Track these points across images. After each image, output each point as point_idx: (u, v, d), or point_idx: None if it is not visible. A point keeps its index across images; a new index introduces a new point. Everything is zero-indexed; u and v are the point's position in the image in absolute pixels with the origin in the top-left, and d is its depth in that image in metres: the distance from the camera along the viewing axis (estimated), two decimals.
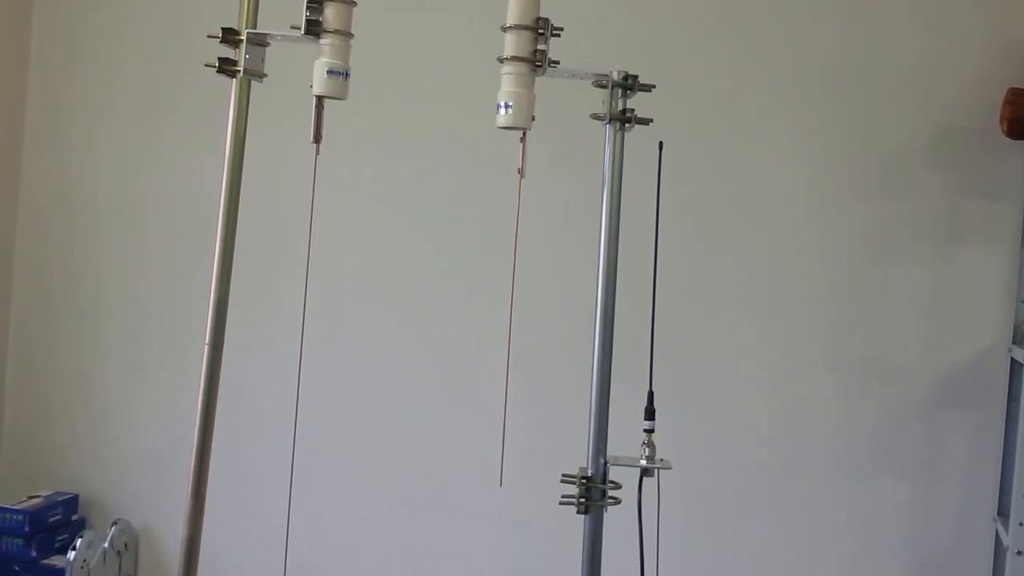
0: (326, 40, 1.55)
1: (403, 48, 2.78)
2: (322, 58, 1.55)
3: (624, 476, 1.68)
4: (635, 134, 1.64)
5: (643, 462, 1.66)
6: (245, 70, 1.57)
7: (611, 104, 1.60)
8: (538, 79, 1.59)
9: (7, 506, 2.88)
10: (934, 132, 2.51)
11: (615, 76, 1.60)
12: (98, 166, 3.06)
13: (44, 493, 2.97)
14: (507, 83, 1.56)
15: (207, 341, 1.60)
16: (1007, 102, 2.33)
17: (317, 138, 1.61)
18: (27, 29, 3.11)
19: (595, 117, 1.62)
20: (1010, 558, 2.15)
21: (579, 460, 1.67)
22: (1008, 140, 2.38)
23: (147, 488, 3.01)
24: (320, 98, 1.58)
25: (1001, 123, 2.35)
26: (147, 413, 3.01)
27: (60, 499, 2.95)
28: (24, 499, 2.92)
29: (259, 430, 2.86)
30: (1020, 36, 2.46)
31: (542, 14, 1.56)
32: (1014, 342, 2.43)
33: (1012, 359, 2.43)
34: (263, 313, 2.82)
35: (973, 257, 2.50)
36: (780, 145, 2.60)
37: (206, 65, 1.56)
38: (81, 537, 2.81)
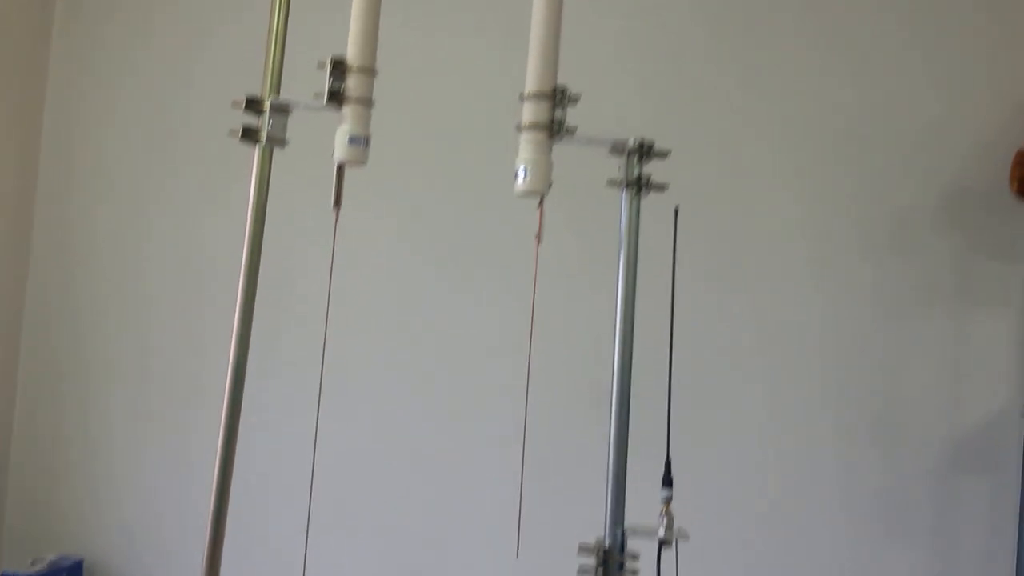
0: (348, 108, 1.57)
1: (422, 113, 2.83)
2: (344, 125, 1.57)
3: (639, 545, 1.66)
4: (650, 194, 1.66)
5: (662, 532, 1.64)
6: (268, 138, 1.59)
7: (627, 171, 1.62)
8: (556, 145, 1.61)
9: (12, 571, 2.84)
10: (943, 193, 2.54)
11: (631, 143, 1.62)
12: (102, 228, 3.09)
13: (49, 557, 2.94)
14: (525, 150, 1.58)
15: (224, 407, 1.60)
16: (1016, 163, 2.36)
17: (337, 203, 1.62)
18: (41, 96, 3.16)
19: (612, 183, 1.64)
20: None
21: (592, 530, 1.65)
22: (1016, 201, 2.41)
23: (151, 552, 2.98)
24: (341, 165, 1.59)
25: (1011, 183, 2.38)
26: (152, 477, 2.99)
27: (65, 564, 2.92)
28: (29, 563, 2.89)
29: (265, 498, 2.83)
30: None
31: (560, 81, 1.59)
32: None
33: None
34: (275, 379, 2.82)
35: (984, 319, 2.50)
36: (791, 207, 2.63)
37: (230, 132, 1.58)
38: None
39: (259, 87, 1.63)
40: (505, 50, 2.59)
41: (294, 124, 1.63)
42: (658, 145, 1.63)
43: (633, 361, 1.66)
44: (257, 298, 1.67)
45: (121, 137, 3.09)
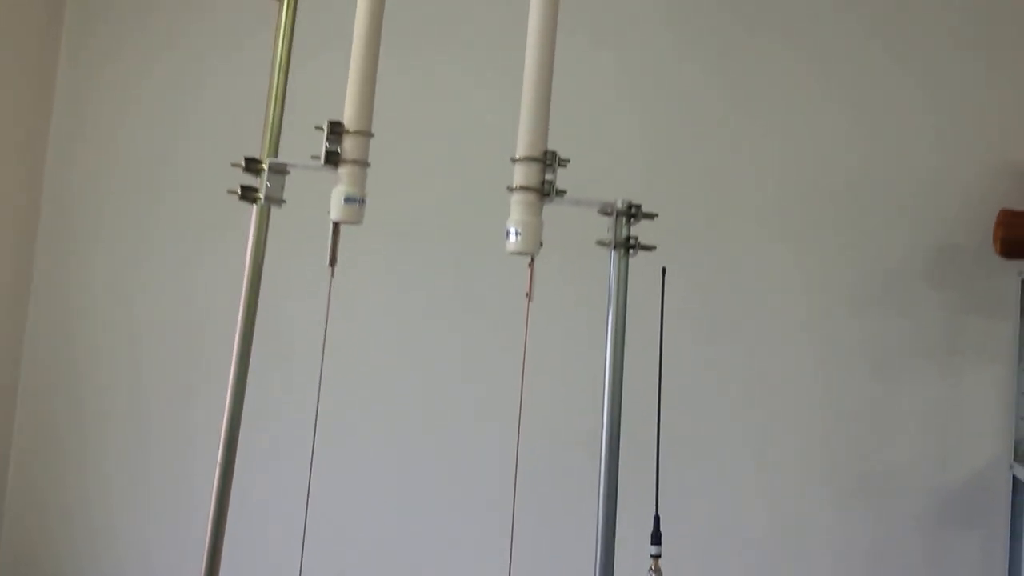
0: (344, 169, 1.61)
1: (417, 170, 2.89)
2: (340, 185, 1.61)
3: None
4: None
5: None
6: (266, 197, 1.63)
7: (616, 231, 1.66)
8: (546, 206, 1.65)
9: None
10: (931, 249, 2.58)
11: (619, 205, 1.66)
12: (100, 279, 3.12)
13: None
14: (516, 211, 1.61)
15: (219, 460, 1.62)
16: (999, 223, 2.40)
17: (332, 261, 1.66)
18: (43, 147, 3.21)
19: (601, 244, 1.68)
20: None
21: None
22: (1002, 259, 2.45)
23: None
24: (337, 224, 1.63)
25: (994, 243, 2.42)
26: (148, 526, 3.00)
27: None
28: None
29: (256, 550, 2.84)
30: (1012, 157, 2.55)
31: (552, 135, 1.63)
32: (1015, 459, 2.44)
33: (1014, 476, 2.45)
34: (269, 430, 2.84)
35: (972, 373, 2.53)
36: (781, 262, 2.67)
37: (229, 192, 1.63)
38: None
39: (255, 135, 1.67)
40: (499, 112, 2.65)
41: (291, 181, 1.67)
42: (648, 206, 1.68)
43: (623, 416, 1.69)
44: (252, 350, 1.70)
45: (120, 188, 3.13)
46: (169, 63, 3.14)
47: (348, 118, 1.60)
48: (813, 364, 2.62)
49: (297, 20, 1.74)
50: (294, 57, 1.73)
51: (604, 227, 1.67)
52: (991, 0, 2.62)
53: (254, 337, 1.67)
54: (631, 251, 1.68)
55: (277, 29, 1.71)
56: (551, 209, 1.67)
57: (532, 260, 1.66)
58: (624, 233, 1.67)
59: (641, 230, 1.67)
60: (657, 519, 1.75)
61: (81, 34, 3.23)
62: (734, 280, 2.69)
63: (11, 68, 3.08)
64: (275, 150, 1.67)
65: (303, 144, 1.67)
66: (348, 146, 1.61)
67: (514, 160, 1.61)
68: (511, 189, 1.62)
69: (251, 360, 1.68)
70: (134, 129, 3.14)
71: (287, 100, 1.72)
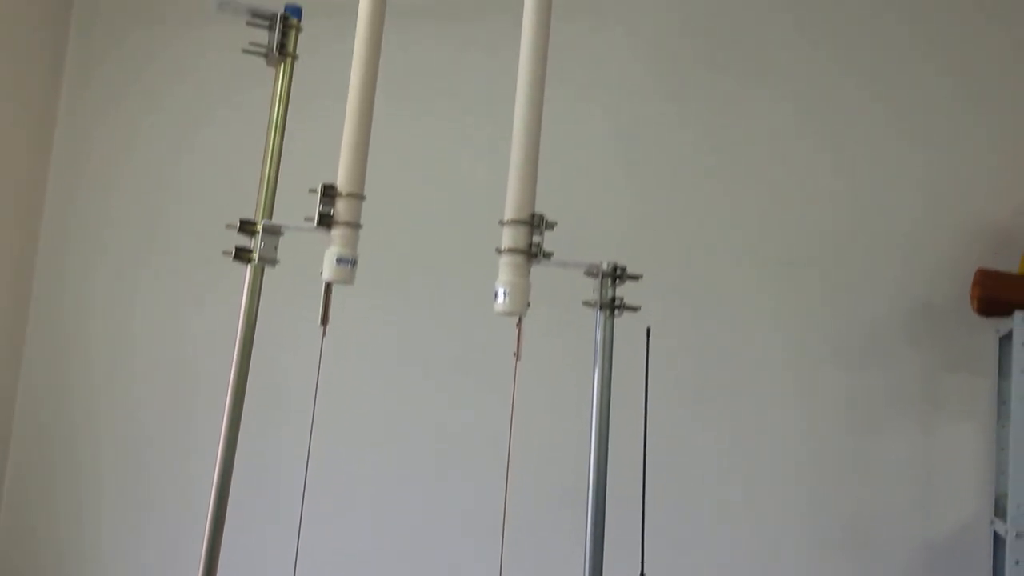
0: (337, 231, 1.65)
1: (409, 230, 2.95)
2: (333, 247, 1.65)
3: None
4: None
5: None
6: (260, 258, 1.67)
7: (601, 292, 1.70)
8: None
9: None
10: (912, 307, 2.63)
11: (604, 267, 1.70)
12: (94, 331, 3.15)
13: None
14: (504, 272, 1.65)
15: (209, 516, 1.64)
16: (976, 283, 2.45)
17: (324, 320, 1.69)
18: (42, 196, 3.26)
19: (587, 304, 1.72)
20: None
21: None
22: (980, 316, 2.50)
23: None
24: (329, 284, 1.67)
25: (972, 302, 2.47)
26: None
27: None
28: None
29: None
30: (989, 218, 2.61)
31: (539, 206, 1.68)
32: (996, 515, 2.47)
33: (995, 532, 2.47)
34: (261, 485, 2.85)
35: (953, 430, 2.57)
36: (763, 318, 2.71)
37: (223, 253, 1.66)
38: None
39: (249, 187, 1.71)
40: (488, 173, 2.72)
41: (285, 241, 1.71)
42: (634, 264, 1.72)
43: (608, 471, 1.71)
44: (245, 406, 1.73)
45: (114, 241, 3.17)
46: (166, 117, 3.20)
47: (341, 182, 1.65)
48: (797, 419, 2.65)
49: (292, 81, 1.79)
50: (288, 116, 1.78)
51: (592, 284, 1.71)
52: (970, 65, 2.70)
53: (247, 391, 1.70)
54: (616, 312, 1.72)
55: (273, 94, 1.75)
56: (540, 267, 1.73)
57: (520, 320, 1.69)
58: (609, 294, 1.71)
59: (627, 290, 1.72)
60: (643, 575, 1.77)
61: (80, 87, 3.29)
62: (719, 336, 2.73)
63: (11, 116, 3.13)
64: (270, 212, 1.71)
65: (294, 199, 1.72)
66: (341, 208, 1.65)
67: (502, 223, 1.66)
68: (499, 251, 1.67)
69: (244, 415, 1.70)
70: (129, 185, 3.20)
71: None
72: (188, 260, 3.08)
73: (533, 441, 2.68)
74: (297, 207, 1.68)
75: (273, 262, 1.70)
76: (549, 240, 1.69)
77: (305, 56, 1.81)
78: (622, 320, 1.74)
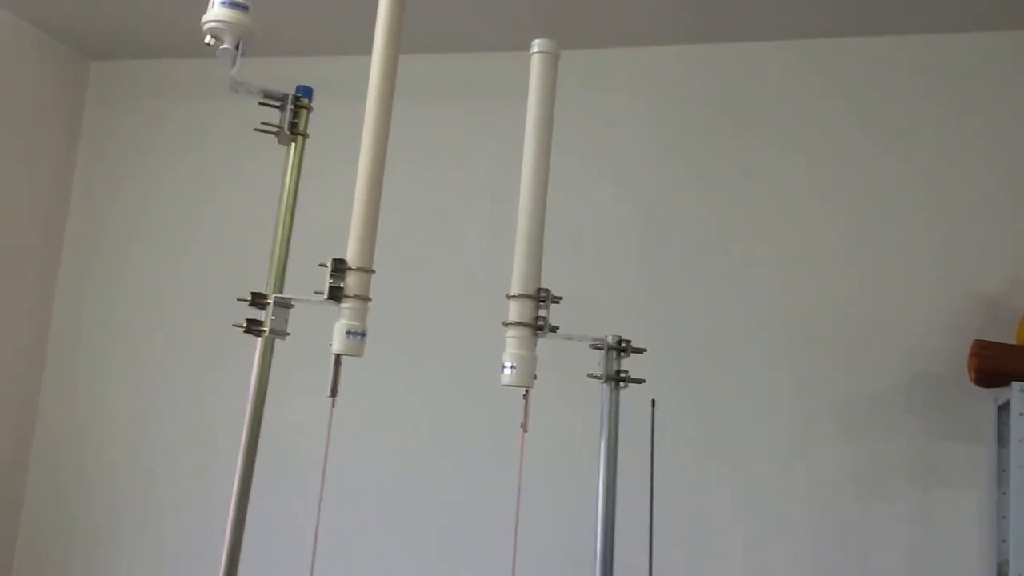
0: (347, 304, 1.68)
1: (416, 303, 3.00)
2: (342, 320, 1.68)
3: None
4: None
5: None
6: (271, 330, 1.69)
7: (607, 365, 1.73)
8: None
9: None
10: (912, 378, 2.66)
11: (610, 340, 1.73)
12: (110, 401, 3.20)
13: None
14: (511, 345, 1.68)
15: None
16: (973, 354, 2.48)
17: (334, 392, 1.71)
18: (52, 280, 3.31)
19: (592, 376, 1.74)
20: None
21: None
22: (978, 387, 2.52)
23: None
24: (338, 356, 1.69)
25: (969, 373, 2.49)
26: None
27: None
28: None
29: None
30: (985, 290, 2.65)
31: (544, 284, 1.71)
32: None
33: None
34: (270, 550, 2.85)
35: (954, 498, 2.58)
36: (769, 388, 2.74)
37: (234, 326, 1.69)
38: None
39: (260, 258, 1.75)
40: (494, 243, 2.77)
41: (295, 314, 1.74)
42: (640, 336, 1.75)
43: (615, 539, 1.72)
44: (255, 477, 1.74)
45: (128, 312, 3.23)
46: (178, 188, 3.27)
47: (351, 256, 1.68)
48: (800, 487, 2.66)
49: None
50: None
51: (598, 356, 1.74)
52: (953, 148, 2.76)
53: (258, 460, 1.71)
54: (621, 384, 1.75)
55: (284, 171, 1.79)
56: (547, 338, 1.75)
57: (527, 392, 1.71)
58: (615, 367, 1.74)
59: (632, 362, 1.74)
60: None
61: (93, 162, 3.38)
62: (725, 406, 2.75)
63: (27, 187, 3.19)
64: (280, 286, 1.74)
65: (303, 268, 1.75)
66: (351, 282, 1.67)
67: (509, 297, 1.69)
68: (506, 324, 1.70)
69: (253, 487, 1.71)
70: (142, 254, 3.26)
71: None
72: (200, 329, 3.12)
73: (540, 511, 2.68)
74: (306, 277, 1.71)
75: (283, 335, 1.72)
76: (555, 312, 1.73)
77: (315, 130, 1.85)
78: (629, 390, 1.76)
